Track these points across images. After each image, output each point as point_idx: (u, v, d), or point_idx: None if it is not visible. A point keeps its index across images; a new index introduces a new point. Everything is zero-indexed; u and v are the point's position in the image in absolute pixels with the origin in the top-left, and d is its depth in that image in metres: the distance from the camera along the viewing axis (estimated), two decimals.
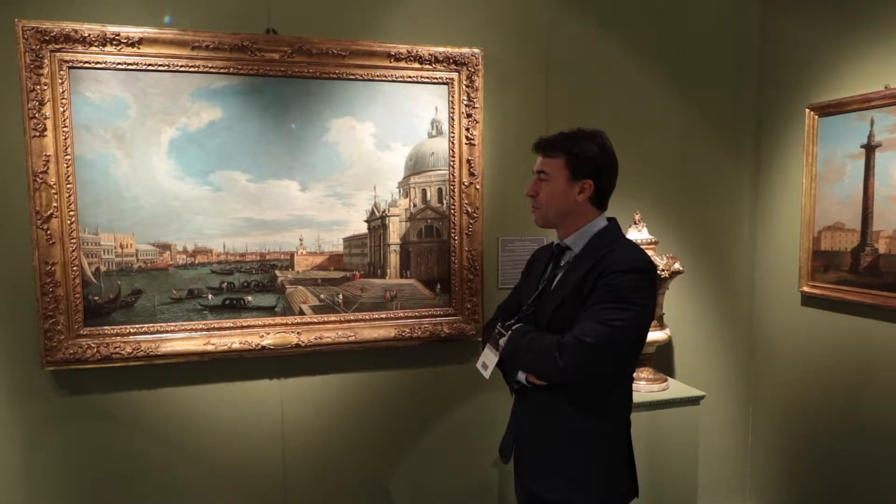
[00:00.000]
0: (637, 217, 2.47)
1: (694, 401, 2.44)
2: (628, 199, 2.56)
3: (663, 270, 2.34)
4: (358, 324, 2.33)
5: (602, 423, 1.62)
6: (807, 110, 2.49)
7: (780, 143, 2.69)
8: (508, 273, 2.51)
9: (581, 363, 1.51)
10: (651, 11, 2.60)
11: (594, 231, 1.66)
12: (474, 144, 2.37)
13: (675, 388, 2.51)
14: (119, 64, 2.03)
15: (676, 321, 2.69)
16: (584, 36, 2.53)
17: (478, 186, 2.39)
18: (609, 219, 1.70)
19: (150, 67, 2.06)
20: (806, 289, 2.53)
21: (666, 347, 2.69)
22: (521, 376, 1.67)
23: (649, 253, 2.40)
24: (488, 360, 1.76)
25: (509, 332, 1.69)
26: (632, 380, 1.74)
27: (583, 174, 1.62)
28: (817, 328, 2.52)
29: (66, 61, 1.99)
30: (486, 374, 1.76)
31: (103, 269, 2.10)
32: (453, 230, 2.40)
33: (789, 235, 2.63)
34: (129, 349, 2.11)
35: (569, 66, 2.52)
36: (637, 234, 2.45)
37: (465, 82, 2.34)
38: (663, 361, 2.74)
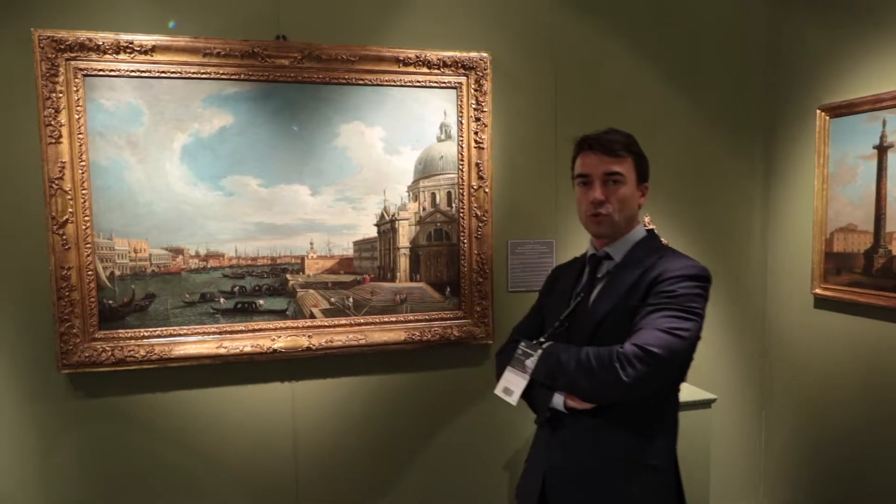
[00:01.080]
0: (647, 220, 2.47)
1: (705, 404, 2.43)
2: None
3: None
4: (368, 327, 2.34)
5: (653, 452, 1.48)
6: (818, 111, 2.47)
7: (790, 145, 2.67)
8: (518, 276, 2.51)
9: (647, 376, 1.35)
10: (658, 13, 2.60)
11: (636, 239, 1.58)
12: (483, 148, 2.38)
13: (687, 391, 2.50)
14: (132, 71, 2.07)
15: None
16: (591, 38, 2.53)
17: (487, 190, 2.40)
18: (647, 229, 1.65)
19: (163, 74, 2.09)
20: (818, 291, 2.51)
21: None
22: (558, 400, 1.48)
23: None
24: (513, 384, 1.56)
25: (539, 350, 1.52)
26: (678, 399, 1.59)
27: (645, 176, 1.60)
28: (830, 330, 2.49)
29: (80, 69, 2.03)
30: (513, 400, 1.55)
31: (118, 273, 2.13)
32: (462, 233, 2.41)
33: (801, 237, 2.61)
34: (142, 352, 2.14)
35: (576, 69, 2.52)
36: None
37: (473, 86, 2.35)
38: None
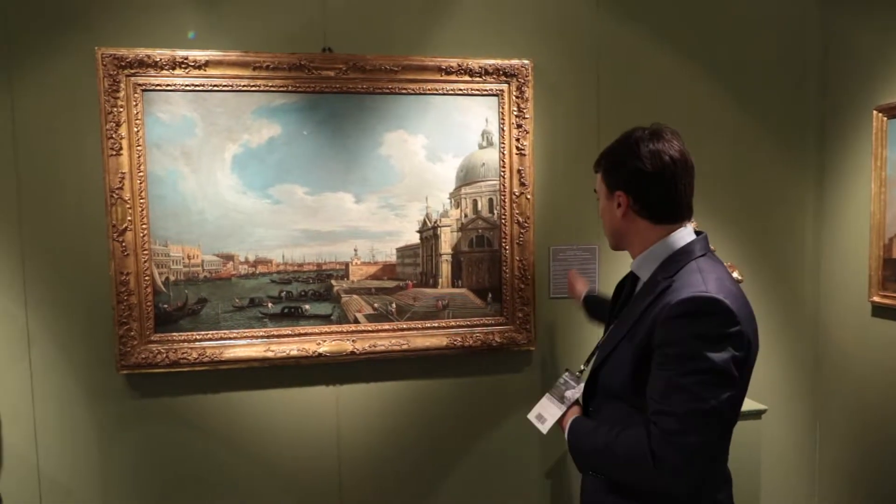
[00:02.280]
0: (692, 226, 2.42)
1: (755, 415, 2.36)
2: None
3: None
4: (411, 332, 2.37)
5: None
6: (874, 112, 2.38)
7: (845, 147, 2.58)
8: (560, 283, 2.50)
9: (694, 468, 1.16)
10: (704, 15, 2.56)
11: (663, 254, 1.32)
12: (525, 154, 2.38)
13: None
14: (187, 85, 2.16)
15: None
16: (633, 42, 2.51)
17: (528, 196, 2.40)
18: (697, 232, 1.37)
19: (215, 88, 2.18)
20: (876, 299, 2.40)
21: None
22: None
23: None
24: (547, 412, 1.48)
25: (581, 383, 1.44)
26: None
27: (613, 185, 1.36)
28: (889, 339, 2.39)
29: (139, 84, 2.13)
30: (544, 428, 1.47)
31: (172, 278, 2.22)
32: (504, 240, 2.41)
33: (857, 243, 2.51)
34: (195, 355, 2.23)
35: (619, 75, 2.50)
36: None
37: (515, 93, 2.36)
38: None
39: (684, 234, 1.34)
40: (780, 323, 2.72)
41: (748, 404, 2.39)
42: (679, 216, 1.34)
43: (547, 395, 1.52)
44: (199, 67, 2.16)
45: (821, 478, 2.77)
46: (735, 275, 2.33)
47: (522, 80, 2.36)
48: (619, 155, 1.35)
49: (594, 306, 2.15)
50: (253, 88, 2.21)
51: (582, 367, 1.53)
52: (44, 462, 2.21)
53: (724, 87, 2.59)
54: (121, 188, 2.14)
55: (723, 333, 1.17)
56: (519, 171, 2.39)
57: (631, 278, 1.47)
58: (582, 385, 1.48)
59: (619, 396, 1.34)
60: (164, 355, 2.21)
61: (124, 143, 2.13)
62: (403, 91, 2.30)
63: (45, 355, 2.19)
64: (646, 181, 1.31)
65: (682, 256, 1.30)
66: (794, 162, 2.68)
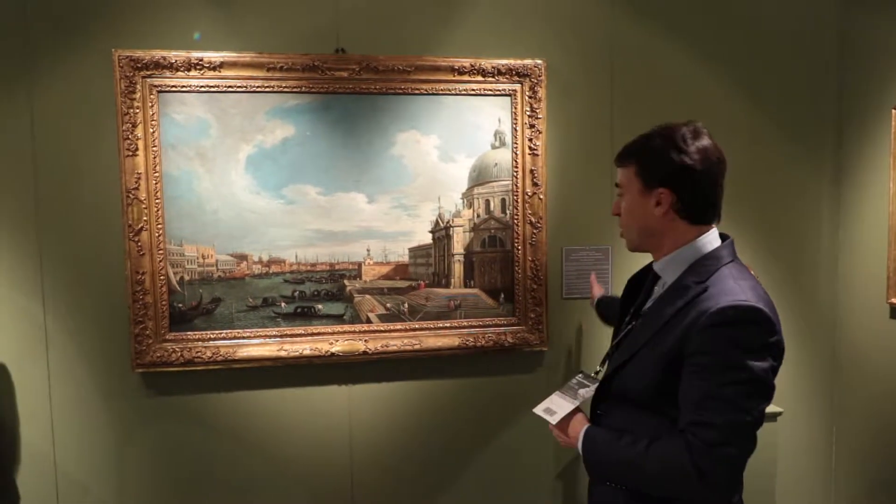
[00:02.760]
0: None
1: (771, 417, 2.34)
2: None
3: None
4: (423, 332, 2.37)
5: None
6: (893, 111, 2.35)
7: (862, 147, 2.55)
8: (573, 283, 2.49)
9: (732, 475, 1.17)
10: (719, 13, 2.54)
11: (691, 257, 1.29)
12: (537, 155, 2.38)
13: None
14: (202, 87, 2.18)
15: None
16: (648, 42, 2.49)
17: (541, 196, 2.40)
18: (723, 235, 1.35)
19: (230, 89, 2.20)
20: (895, 300, 2.37)
21: None
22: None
23: None
24: (557, 406, 1.45)
25: (596, 383, 1.41)
26: None
27: (656, 181, 1.28)
28: None
29: (155, 86, 2.15)
30: (553, 420, 1.43)
31: (187, 278, 2.24)
32: (517, 240, 2.41)
33: (875, 244, 2.47)
34: (209, 354, 2.24)
35: (633, 74, 2.49)
36: None
37: (527, 93, 2.36)
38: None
39: (712, 238, 1.32)
40: (795, 324, 2.69)
41: None
42: (712, 218, 1.33)
43: (557, 392, 1.51)
44: (214, 69, 2.17)
45: (836, 481, 2.74)
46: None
47: (535, 80, 2.35)
48: (662, 150, 1.28)
49: (608, 309, 2.14)
50: (267, 89, 2.22)
51: (598, 367, 1.50)
52: (61, 459, 2.24)
53: (739, 85, 2.57)
54: (137, 188, 2.16)
55: (764, 343, 1.16)
56: (532, 171, 2.38)
57: (651, 277, 1.44)
58: (595, 385, 1.44)
59: (633, 402, 1.31)
60: (179, 354, 2.23)
61: (140, 143, 2.15)
62: (416, 91, 2.30)
63: (62, 353, 2.22)
64: (693, 179, 1.27)
65: (712, 261, 1.28)
66: (811, 161, 2.65)
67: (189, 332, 2.25)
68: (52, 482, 2.24)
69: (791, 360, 2.68)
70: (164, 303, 2.22)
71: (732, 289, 1.20)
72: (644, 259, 1.47)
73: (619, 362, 1.33)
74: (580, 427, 1.39)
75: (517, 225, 2.40)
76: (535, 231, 2.40)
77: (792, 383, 2.69)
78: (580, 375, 1.51)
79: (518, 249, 2.41)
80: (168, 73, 2.15)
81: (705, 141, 1.29)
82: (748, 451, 1.16)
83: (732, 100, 2.56)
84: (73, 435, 2.25)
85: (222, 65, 2.18)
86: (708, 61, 2.54)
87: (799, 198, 2.65)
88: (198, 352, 2.24)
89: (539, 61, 2.36)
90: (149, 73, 2.14)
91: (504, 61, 2.33)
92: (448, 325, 2.39)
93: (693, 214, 1.30)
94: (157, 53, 2.14)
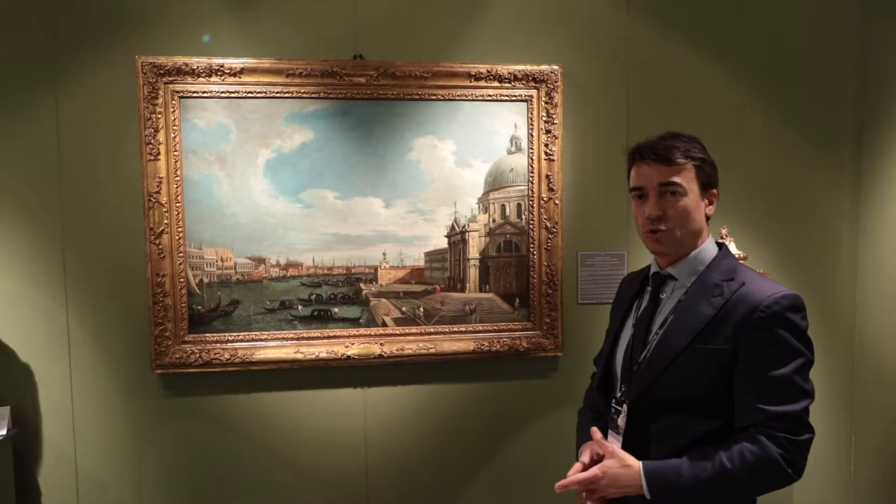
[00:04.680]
0: (724, 231, 2.39)
1: None
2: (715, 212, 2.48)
3: None
4: (438, 336, 2.39)
5: None
6: None
7: (883, 153, 2.52)
8: (588, 288, 2.49)
9: (804, 465, 1.22)
10: (737, 19, 2.53)
11: (705, 259, 1.35)
12: (553, 160, 2.38)
13: None
14: (223, 92, 2.21)
15: None
16: (665, 47, 2.49)
17: (557, 202, 2.40)
18: (718, 244, 1.41)
19: (250, 95, 2.23)
20: None
21: None
22: None
23: None
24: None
25: (622, 405, 1.36)
26: None
27: (711, 183, 1.36)
28: None
29: (177, 92, 2.19)
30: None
31: (206, 280, 2.28)
32: (532, 245, 2.41)
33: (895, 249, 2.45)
34: (227, 355, 2.27)
35: (650, 79, 2.48)
36: None
37: (544, 99, 2.37)
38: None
39: (713, 241, 1.41)
40: (814, 333, 2.62)
41: None
42: None
43: (609, 433, 1.42)
44: (235, 74, 2.21)
45: (856, 492, 2.70)
46: None
47: (552, 86, 2.36)
48: (706, 154, 1.38)
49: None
50: (286, 95, 2.25)
51: (622, 387, 1.40)
52: (81, 457, 2.28)
53: (756, 90, 2.55)
54: (158, 192, 2.20)
55: (807, 325, 1.26)
56: (548, 176, 2.39)
57: (645, 284, 1.44)
58: (626, 405, 1.36)
59: (680, 406, 1.28)
60: (198, 355, 2.26)
61: (162, 148, 2.19)
62: (433, 97, 2.32)
63: (83, 353, 2.26)
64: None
65: (726, 261, 1.35)
66: (830, 168, 2.63)
67: (207, 334, 2.28)
68: (73, 479, 2.28)
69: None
70: (183, 305, 2.25)
71: (766, 282, 1.29)
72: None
73: (659, 369, 1.29)
74: (638, 466, 1.26)
75: (533, 230, 2.41)
76: (550, 236, 2.41)
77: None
78: (614, 401, 1.42)
79: (533, 254, 2.42)
80: (189, 79, 2.19)
81: None
82: (814, 433, 1.22)
83: (749, 104, 2.55)
84: (94, 433, 2.28)
85: (242, 71, 2.21)
86: (724, 65, 2.53)
87: (818, 203, 2.63)
88: (216, 353, 2.27)
89: (555, 67, 2.37)
90: (171, 79, 2.18)
91: (520, 67, 2.34)
92: (463, 329, 2.40)
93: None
94: (179, 60, 2.18)
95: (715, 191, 1.38)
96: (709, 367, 1.25)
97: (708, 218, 1.39)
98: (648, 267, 1.50)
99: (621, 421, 1.36)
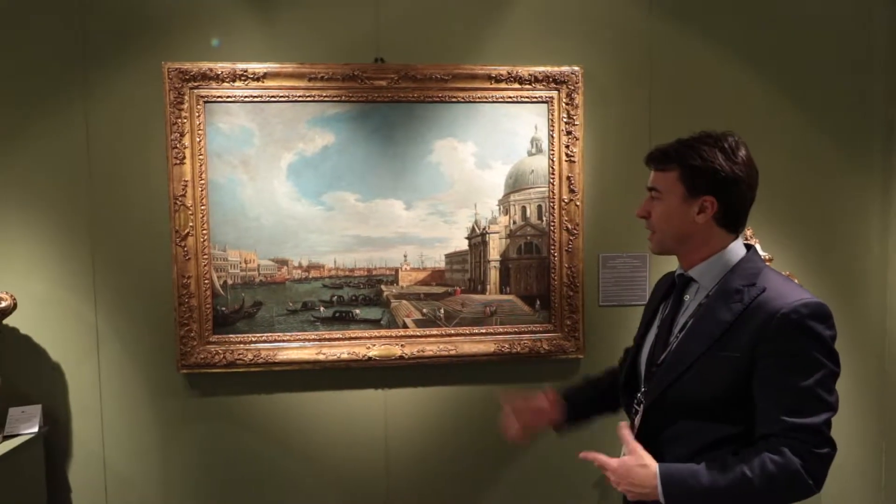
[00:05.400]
0: (748, 233, 2.36)
1: None
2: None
3: None
4: (458, 338, 2.39)
5: None
6: None
7: None
8: (610, 290, 2.47)
9: (825, 478, 1.19)
10: (761, 15, 2.49)
11: (728, 262, 1.32)
12: (574, 161, 2.37)
13: None
14: (246, 97, 2.25)
15: None
16: (687, 46, 2.46)
17: (578, 203, 2.39)
18: (746, 245, 1.36)
19: (273, 99, 2.26)
20: None
21: None
22: None
23: None
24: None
25: (640, 405, 1.35)
26: None
27: (702, 189, 1.29)
28: None
29: (202, 97, 2.23)
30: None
31: (230, 282, 2.31)
32: (553, 247, 2.40)
33: None
34: (250, 356, 2.30)
35: (672, 78, 2.46)
36: None
37: (564, 100, 2.36)
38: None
39: (740, 244, 1.35)
40: (843, 337, 2.57)
41: None
42: (743, 226, 1.36)
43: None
44: (258, 79, 2.24)
45: (887, 499, 2.63)
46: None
47: (572, 87, 2.35)
48: (711, 158, 1.29)
49: (583, 400, 1.68)
50: (308, 99, 2.28)
51: (643, 388, 1.39)
52: (109, 455, 2.33)
53: (782, 89, 2.51)
54: (183, 195, 2.24)
55: (833, 336, 1.21)
56: (568, 177, 2.38)
57: (673, 285, 1.42)
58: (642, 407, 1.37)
59: (696, 410, 1.28)
60: (222, 356, 2.29)
61: (187, 152, 2.23)
62: (453, 99, 2.33)
63: (112, 354, 2.31)
64: (739, 190, 1.30)
65: (751, 264, 1.31)
66: (859, 168, 2.57)
67: (231, 335, 2.31)
68: (101, 477, 2.33)
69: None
70: (208, 306, 2.29)
71: (790, 288, 1.24)
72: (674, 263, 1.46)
73: (676, 373, 1.29)
74: (654, 466, 1.25)
75: (553, 232, 2.40)
76: (571, 238, 2.39)
77: (839, 396, 2.60)
78: (634, 403, 1.42)
79: (554, 256, 2.41)
80: (214, 84, 2.23)
81: (746, 152, 1.33)
82: (836, 446, 1.19)
83: (775, 104, 2.51)
84: (121, 432, 2.33)
85: (265, 75, 2.24)
86: (749, 64, 2.49)
87: (846, 205, 2.58)
88: (239, 354, 2.30)
89: (576, 68, 2.36)
90: (196, 84, 2.22)
91: (541, 68, 2.34)
92: (483, 331, 2.40)
93: (731, 223, 1.32)
94: (204, 65, 2.22)
95: (709, 198, 1.29)
96: (725, 374, 1.24)
97: (704, 224, 1.31)
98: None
99: (637, 419, 1.37)
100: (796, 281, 2.21)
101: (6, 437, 2.11)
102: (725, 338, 1.24)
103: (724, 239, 1.33)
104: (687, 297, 1.38)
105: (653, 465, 1.25)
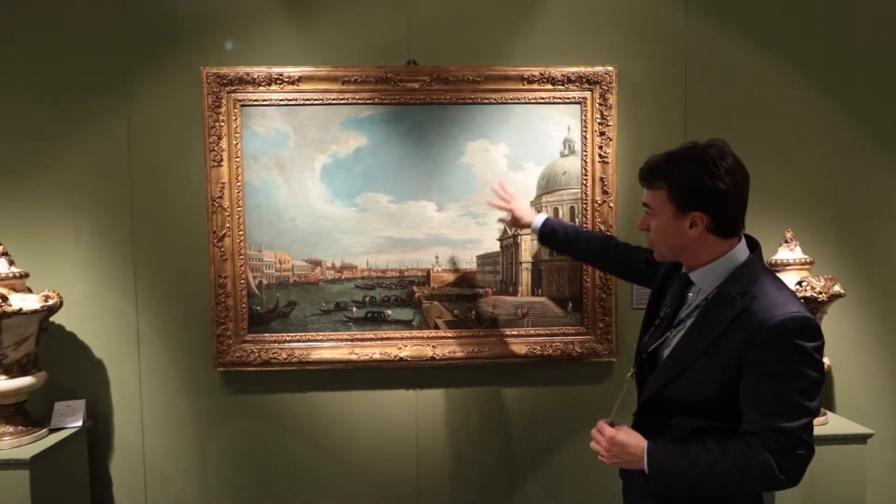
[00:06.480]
0: (788, 235, 2.30)
1: (860, 439, 2.20)
2: (777, 215, 2.39)
3: (821, 293, 2.15)
4: (490, 340, 2.39)
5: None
6: None
7: None
8: (643, 293, 2.42)
9: (801, 475, 1.29)
10: (801, 14, 2.42)
11: (728, 267, 1.37)
12: (608, 162, 2.35)
13: (837, 423, 2.28)
14: (281, 100, 2.29)
15: (836, 350, 2.44)
16: (724, 45, 2.42)
17: (611, 205, 2.36)
18: (750, 240, 1.42)
19: (307, 102, 2.30)
20: None
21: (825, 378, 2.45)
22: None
23: (803, 274, 2.23)
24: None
25: (627, 385, 1.49)
26: None
27: (690, 206, 1.34)
28: None
29: (239, 100, 2.28)
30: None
31: (265, 282, 2.35)
32: None
33: None
34: (284, 355, 2.34)
35: (708, 78, 2.42)
36: (789, 253, 2.28)
37: (598, 100, 2.34)
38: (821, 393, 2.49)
39: (743, 247, 1.40)
40: (886, 342, 2.52)
41: (852, 428, 2.23)
42: (740, 230, 1.39)
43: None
44: (293, 83, 2.28)
45: None
46: (837, 288, 2.19)
47: (606, 87, 2.33)
48: (694, 175, 1.32)
49: (559, 238, 1.98)
50: (341, 101, 2.31)
51: (633, 369, 1.56)
52: (148, 450, 2.40)
53: (822, 90, 2.44)
54: (221, 197, 2.29)
55: (817, 347, 1.27)
56: (601, 179, 2.35)
57: (680, 280, 1.48)
58: (629, 385, 1.51)
59: (689, 410, 1.37)
60: (257, 354, 2.33)
61: (224, 154, 2.28)
62: (485, 101, 2.33)
63: (151, 351, 2.37)
64: (726, 201, 1.33)
65: (748, 270, 1.36)
66: None
67: (266, 334, 2.35)
68: (141, 471, 2.40)
69: (880, 380, 2.53)
70: (243, 305, 2.34)
71: (781, 299, 1.29)
72: None
73: (671, 374, 1.38)
74: (635, 441, 1.40)
75: None
76: None
77: (882, 404, 2.52)
78: (626, 383, 1.54)
79: None
80: (251, 88, 2.27)
81: (731, 160, 1.34)
82: (814, 447, 1.28)
83: (816, 105, 2.44)
84: (160, 427, 2.39)
85: (300, 79, 2.28)
86: (788, 64, 2.43)
87: (886, 206, 2.49)
88: (274, 353, 2.34)
89: (609, 68, 2.33)
90: (233, 88, 2.27)
91: (574, 69, 2.32)
92: (515, 333, 2.39)
93: (725, 231, 1.37)
94: (241, 70, 2.26)
95: (699, 214, 1.34)
96: (716, 378, 1.32)
97: (700, 237, 1.37)
98: None
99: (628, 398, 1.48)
100: (837, 286, 2.16)
101: (52, 431, 2.19)
102: (716, 345, 1.32)
103: (722, 245, 1.38)
104: (690, 295, 1.45)
105: (642, 439, 1.39)
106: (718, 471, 1.28)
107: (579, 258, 2.10)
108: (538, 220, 2.01)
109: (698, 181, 1.32)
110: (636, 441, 1.39)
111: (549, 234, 2.00)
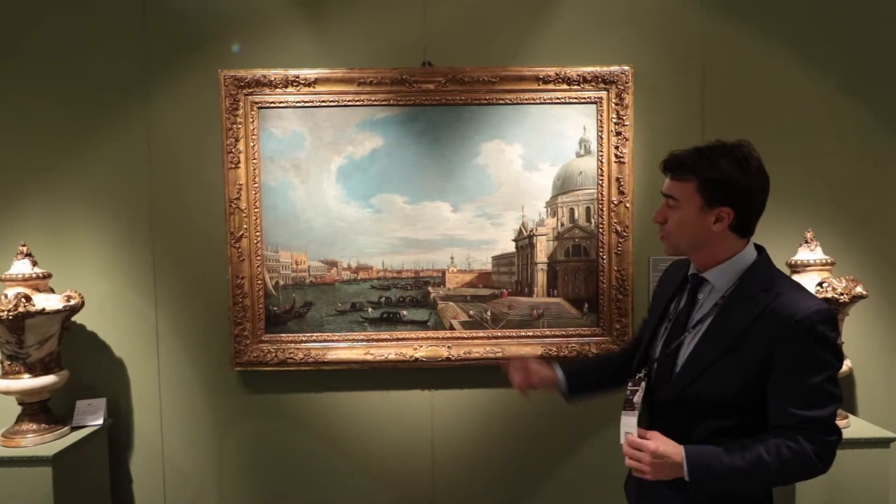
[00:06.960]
0: (809, 235, 2.27)
1: (882, 443, 2.16)
2: (797, 215, 2.36)
3: (842, 294, 2.12)
4: (505, 340, 2.38)
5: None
6: None
7: None
8: None
9: (833, 461, 1.32)
10: (821, 10, 2.39)
11: (742, 266, 1.38)
12: (624, 162, 2.34)
13: (859, 426, 2.24)
14: (298, 102, 2.31)
15: (858, 351, 2.40)
16: (742, 44, 2.39)
17: (628, 205, 2.35)
18: (757, 247, 1.42)
19: (323, 104, 2.31)
20: None
21: (846, 381, 2.41)
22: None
23: (824, 275, 2.19)
24: (628, 426, 1.42)
25: (643, 383, 1.43)
26: None
27: (719, 200, 1.34)
28: None
29: (256, 103, 2.30)
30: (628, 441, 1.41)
31: (281, 283, 2.37)
32: (601, 249, 2.37)
33: None
34: (300, 355, 2.36)
35: (726, 77, 2.39)
36: (810, 253, 2.24)
37: (614, 100, 2.32)
38: (843, 396, 2.45)
39: (751, 248, 1.41)
40: None
41: (874, 431, 2.20)
42: (754, 230, 1.41)
43: (622, 412, 1.47)
44: (309, 85, 2.29)
45: None
46: (859, 289, 2.16)
47: (622, 87, 2.32)
48: (729, 171, 1.34)
49: (583, 381, 1.76)
50: (357, 103, 2.32)
51: (644, 371, 1.48)
52: (167, 448, 2.43)
53: (845, 90, 2.40)
54: (238, 198, 2.31)
55: (837, 336, 1.33)
56: (618, 179, 2.34)
57: (686, 281, 1.47)
58: (643, 386, 1.46)
59: (712, 408, 1.35)
60: (274, 354, 2.35)
61: (242, 156, 2.30)
62: (501, 101, 2.33)
63: (170, 351, 2.41)
64: (755, 199, 1.36)
65: (762, 268, 1.38)
66: None
67: (283, 335, 2.37)
68: (160, 469, 2.43)
69: None
70: (260, 306, 2.36)
71: (803, 294, 1.33)
72: None
73: (694, 374, 1.36)
74: (673, 449, 1.32)
75: (602, 234, 2.36)
76: (620, 240, 2.35)
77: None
78: (629, 384, 1.49)
79: (603, 259, 2.37)
80: (267, 91, 2.29)
81: (756, 161, 1.36)
82: (841, 432, 1.32)
83: (837, 104, 2.41)
84: (179, 425, 2.42)
85: (316, 81, 2.30)
86: (808, 62, 2.40)
87: None
88: (290, 353, 2.36)
89: (626, 67, 2.32)
90: (250, 90, 2.29)
91: (589, 69, 2.31)
92: (530, 333, 2.39)
93: (744, 230, 1.38)
94: (258, 72, 2.28)
95: (726, 209, 1.34)
96: (741, 375, 1.32)
97: (721, 233, 1.36)
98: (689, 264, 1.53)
99: (637, 398, 1.44)
100: (859, 287, 2.13)
101: (74, 428, 2.22)
102: (741, 341, 1.31)
103: (736, 245, 1.39)
104: (701, 296, 1.43)
105: (677, 445, 1.32)
106: (757, 472, 1.27)
107: (608, 386, 1.79)
108: (558, 371, 1.73)
109: (733, 176, 1.33)
110: (674, 449, 1.32)
111: (575, 373, 1.75)
